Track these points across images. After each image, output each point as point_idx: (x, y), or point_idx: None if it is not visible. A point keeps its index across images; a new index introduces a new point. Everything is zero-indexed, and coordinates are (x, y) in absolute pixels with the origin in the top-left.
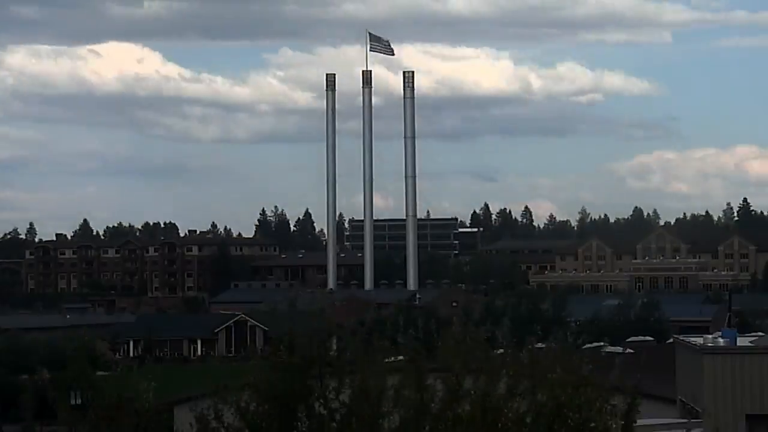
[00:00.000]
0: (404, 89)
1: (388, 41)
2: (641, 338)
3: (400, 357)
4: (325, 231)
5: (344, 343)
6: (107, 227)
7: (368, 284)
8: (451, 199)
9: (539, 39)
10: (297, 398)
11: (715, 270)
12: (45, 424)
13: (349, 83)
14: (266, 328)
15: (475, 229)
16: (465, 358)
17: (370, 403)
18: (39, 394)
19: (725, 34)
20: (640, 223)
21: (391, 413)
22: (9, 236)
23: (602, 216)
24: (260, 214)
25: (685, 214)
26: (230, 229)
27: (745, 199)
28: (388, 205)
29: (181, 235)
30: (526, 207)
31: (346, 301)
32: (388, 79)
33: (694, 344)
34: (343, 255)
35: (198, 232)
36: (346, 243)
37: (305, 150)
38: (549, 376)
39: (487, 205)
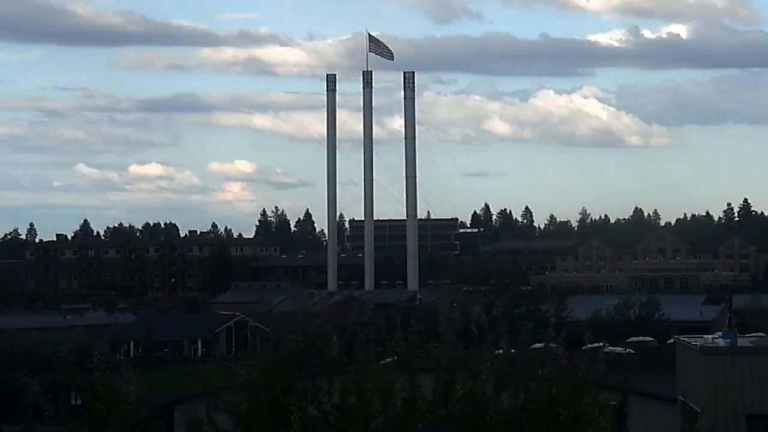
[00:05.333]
0: (404, 89)
1: (389, 49)
2: (641, 338)
3: (392, 358)
4: (326, 231)
5: (340, 344)
6: (107, 227)
7: (368, 285)
8: (451, 199)
9: None
10: (289, 399)
11: (716, 270)
12: (45, 425)
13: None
14: (267, 329)
15: (476, 230)
16: (455, 356)
17: (363, 403)
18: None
19: None
20: (640, 224)
21: (383, 413)
22: (9, 236)
23: (602, 216)
24: (261, 214)
25: (685, 214)
26: (231, 230)
27: (745, 200)
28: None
29: (182, 235)
30: (527, 207)
31: (345, 302)
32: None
33: (695, 345)
34: (343, 255)
35: (198, 233)
36: (346, 243)
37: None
38: (539, 372)
39: (487, 206)
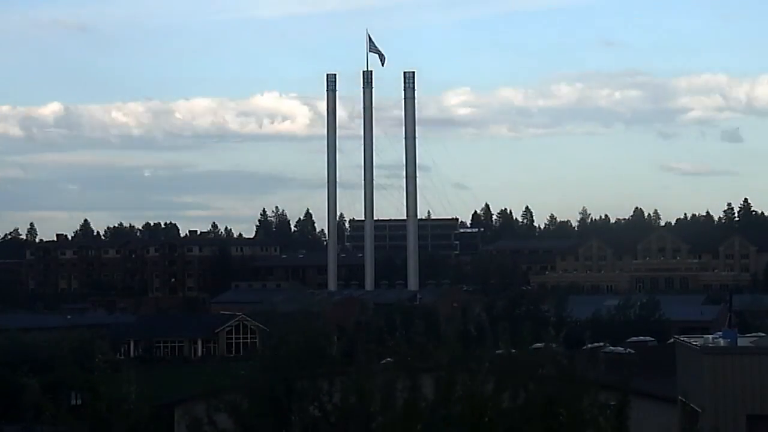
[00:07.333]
0: (404, 89)
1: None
2: (642, 338)
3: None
4: (326, 231)
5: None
6: (108, 227)
7: (369, 284)
8: (451, 199)
9: None
10: (289, 399)
11: (716, 270)
12: (45, 425)
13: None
14: (267, 329)
15: (476, 230)
16: (454, 356)
17: (364, 403)
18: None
19: None
20: (640, 224)
21: (384, 414)
22: (9, 236)
23: (603, 216)
24: (261, 214)
25: (685, 214)
26: (231, 230)
27: (745, 200)
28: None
29: (182, 235)
30: (527, 207)
31: (345, 302)
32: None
33: (695, 344)
34: (343, 255)
35: (199, 233)
36: (346, 243)
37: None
38: (539, 372)
39: (487, 205)
